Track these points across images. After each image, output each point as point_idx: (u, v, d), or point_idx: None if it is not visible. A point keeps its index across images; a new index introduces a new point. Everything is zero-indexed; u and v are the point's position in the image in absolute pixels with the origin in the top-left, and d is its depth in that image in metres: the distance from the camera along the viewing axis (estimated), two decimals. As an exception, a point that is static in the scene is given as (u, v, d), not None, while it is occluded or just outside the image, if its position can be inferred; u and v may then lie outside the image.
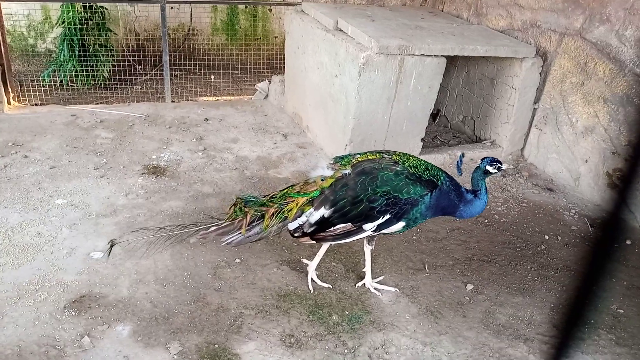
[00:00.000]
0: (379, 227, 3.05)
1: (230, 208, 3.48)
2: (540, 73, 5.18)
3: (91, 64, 6.69)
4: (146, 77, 7.22)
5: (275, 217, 3.19)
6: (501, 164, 3.16)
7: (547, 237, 4.25)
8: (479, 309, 3.39)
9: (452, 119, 6.24)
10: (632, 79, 4.42)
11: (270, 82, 6.69)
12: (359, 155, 3.20)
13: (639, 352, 3.13)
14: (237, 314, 3.15)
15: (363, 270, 3.52)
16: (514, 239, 4.19)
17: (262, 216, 3.24)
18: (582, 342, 3.16)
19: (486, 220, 4.38)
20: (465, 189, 3.18)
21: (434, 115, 6.15)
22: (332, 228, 3.08)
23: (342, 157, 3.25)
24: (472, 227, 4.26)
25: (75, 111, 5.76)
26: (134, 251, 3.59)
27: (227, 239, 3.31)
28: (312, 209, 3.09)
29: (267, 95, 6.69)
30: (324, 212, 3.04)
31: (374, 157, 3.14)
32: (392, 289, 3.47)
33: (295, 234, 3.19)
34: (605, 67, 4.62)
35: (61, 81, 6.64)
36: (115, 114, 5.76)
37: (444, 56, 4.75)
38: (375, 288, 3.45)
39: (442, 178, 3.07)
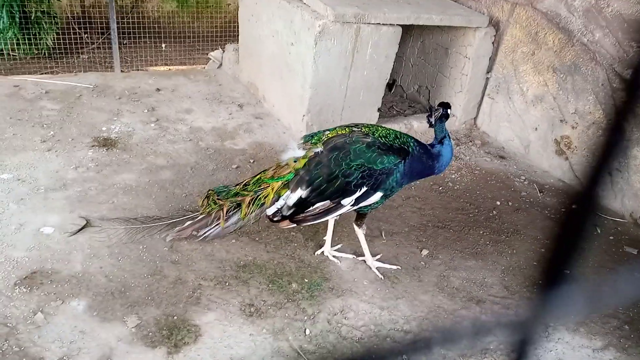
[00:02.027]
0: (357, 201, 3.06)
1: (202, 201, 3.42)
2: (492, 43, 5.27)
3: (33, 32, 6.34)
4: (93, 45, 6.92)
5: (253, 204, 3.17)
6: (449, 105, 3.26)
7: (498, 202, 4.39)
8: (434, 273, 3.49)
9: (408, 89, 6.29)
10: (579, 49, 4.56)
11: (224, 51, 6.54)
12: (328, 132, 3.17)
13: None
14: (196, 286, 3.13)
15: (323, 238, 3.55)
16: (467, 205, 4.31)
17: (239, 205, 3.21)
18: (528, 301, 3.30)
19: (440, 188, 4.48)
20: (430, 144, 3.22)
21: (390, 85, 6.17)
22: (310, 208, 3.08)
23: (312, 136, 3.21)
24: (426, 195, 4.35)
25: (18, 82, 5.48)
26: (86, 225, 3.50)
27: (204, 233, 3.32)
28: (288, 192, 3.06)
29: (220, 65, 6.54)
30: (301, 192, 3.03)
31: (343, 131, 3.12)
32: (350, 256, 3.51)
33: (275, 219, 3.17)
34: (554, 36, 4.74)
35: (1, 50, 6.28)
36: (61, 84, 5.51)
37: (399, 25, 4.75)
38: (334, 256, 3.49)
39: (412, 144, 3.11)
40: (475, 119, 5.69)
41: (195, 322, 2.88)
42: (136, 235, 3.39)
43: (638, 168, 4.20)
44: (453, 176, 4.68)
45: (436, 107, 3.22)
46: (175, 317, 2.89)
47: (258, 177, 3.28)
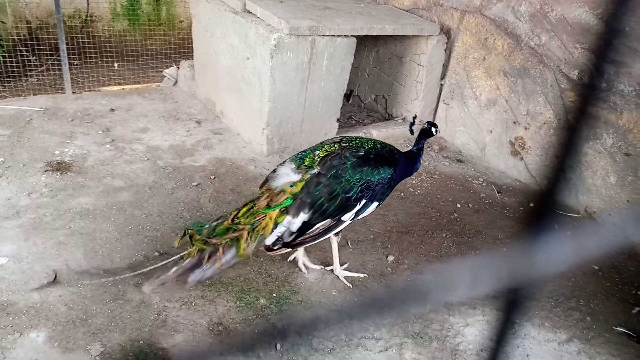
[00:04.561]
0: (357, 214, 3.09)
1: (179, 241, 3.14)
2: (445, 50, 5.40)
3: (-23, 55, 6.13)
4: (42, 68, 6.73)
5: (251, 238, 2.98)
6: (436, 125, 3.41)
7: (459, 205, 4.47)
8: (401, 279, 3.52)
9: (365, 99, 6.36)
10: (527, 52, 4.72)
11: (178, 68, 6.47)
12: (318, 151, 3.13)
13: (546, 304, 3.40)
14: (161, 308, 3.05)
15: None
16: (429, 209, 4.37)
17: (235, 241, 2.98)
18: (495, 300, 3.37)
19: (402, 194, 4.53)
20: (410, 150, 3.39)
21: (347, 96, 6.23)
22: (310, 230, 3.02)
23: (302, 159, 3.11)
24: (389, 202, 4.39)
25: (-37, 108, 5.26)
26: (42, 253, 3.37)
27: (196, 277, 2.95)
28: (289, 218, 2.95)
29: (176, 82, 6.46)
30: (304, 216, 2.95)
31: (333, 148, 3.11)
32: (318, 267, 3.50)
33: (275, 247, 3.03)
34: (503, 41, 4.89)
35: (-57, 76, 6.04)
36: (9, 109, 5.32)
37: (354, 36, 4.81)
38: (304, 264, 3.45)
39: (395, 151, 3.23)
40: (432, 124, 5.79)
41: (162, 346, 2.81)
42: (111, 288, 3.13)
43: (589, 164, 4.36)
44: (414, 182, 4.75)
45: (423, 122, 3.36)
46: (141, 342, 2.81)
47: (248, 208, 3.09)
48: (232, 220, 3.07)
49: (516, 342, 3.07)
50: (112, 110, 5.58)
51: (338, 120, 5.19)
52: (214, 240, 2.98)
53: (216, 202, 4.12)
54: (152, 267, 3.11)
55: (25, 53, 6.49)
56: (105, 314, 2.97)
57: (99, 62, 6.77)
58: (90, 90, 6.30)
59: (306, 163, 3.08)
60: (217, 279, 3.30)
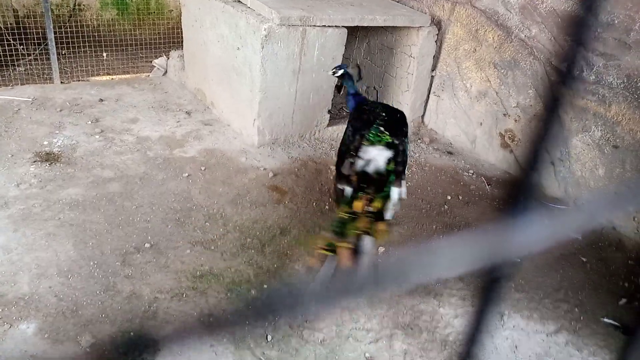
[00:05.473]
0: None
1: (321, 246, 2.93)
2: (435, 41, 5.39)
3: (-37, 44, 6.02)
4: (30, 57, 6.63)
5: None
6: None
7: (449, 197, 4.50)
8: (391, 270, 3.53)
9: (356, 90, 6.34)
10: (518, 44, 4.73)
11: (168, 58, 6.41)
12: (380, 127, 3.31)
13: (535, 296, 3.43)
14: (152, 299, 3.05)
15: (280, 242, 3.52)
16: (419, 201, 4.39)
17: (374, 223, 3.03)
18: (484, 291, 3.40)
19: (393, 186, 4.54)
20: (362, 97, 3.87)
21: (338, 87, 6.20)
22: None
23: (379, 137, 3.24)
24: (380, 193, 4.40)
25: (-51, 97, 5.19)
26: (32, 244, 3.35)
27: (361, 267, 2.84)
28: (397, 189, 3.16)
29: (165, 72, 6.41)
30: (404, 182, 3.25)
31: (384, 115, 3.40)
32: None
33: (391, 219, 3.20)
34: (494, 33, 4.90)
35: None
36: (-4, 98, 5.26)
37: (344, 27, 4.79)
38: None
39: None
40: (422, 116, 5.81)
41: (153, 337, 2.80)
42: (101, 279, 3.15)
43: (578, 157, 4.39)
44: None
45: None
46: (131, 334, 2.81)
47: (362, 203, 3.09)
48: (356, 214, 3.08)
49: (505, 333, 3.10)
50: (101, 100, 5.53)
51: (329, 111, 5.18)
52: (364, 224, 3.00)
53: (207, 194, 4.11)
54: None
55: (12, 42, 6.39)
56: (95, 305, 2.96)
57: (88, 51, 6.68)
58: (78, 80, 6.23)
59: (385, 139, 3.26)
60: (207, 270, 3.31)
